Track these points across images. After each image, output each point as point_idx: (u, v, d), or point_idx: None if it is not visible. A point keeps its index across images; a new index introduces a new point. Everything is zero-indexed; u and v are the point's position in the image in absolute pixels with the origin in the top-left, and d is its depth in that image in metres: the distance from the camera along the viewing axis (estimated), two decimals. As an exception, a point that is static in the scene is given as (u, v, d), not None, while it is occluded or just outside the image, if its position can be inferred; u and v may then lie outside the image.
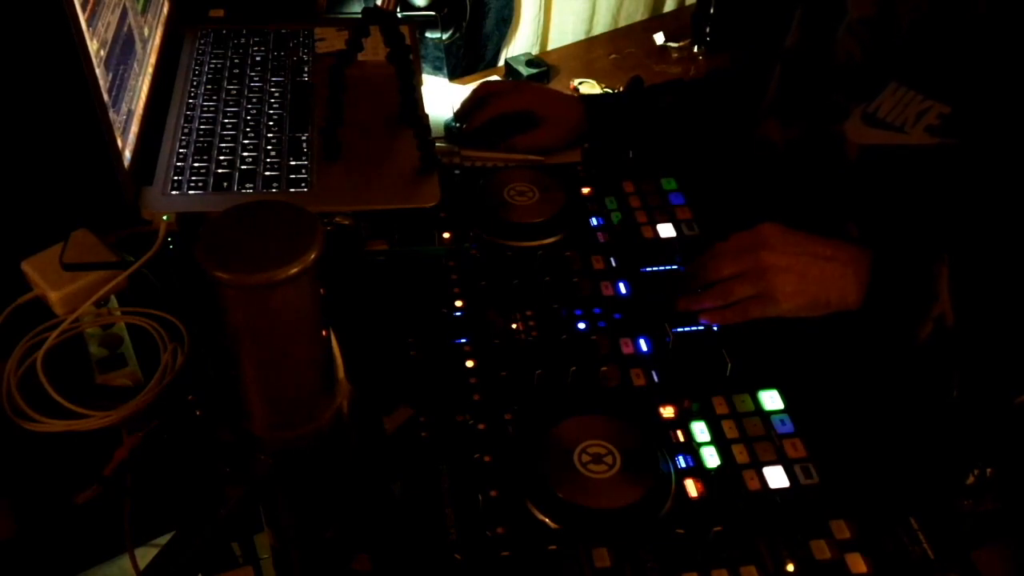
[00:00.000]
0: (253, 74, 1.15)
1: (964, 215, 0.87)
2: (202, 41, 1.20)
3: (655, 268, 0.97)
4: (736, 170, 1.10)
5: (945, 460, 0.92)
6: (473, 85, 1.58)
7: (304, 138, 1.06)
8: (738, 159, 1.09)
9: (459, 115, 1.19)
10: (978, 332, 0.82)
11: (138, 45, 1.04)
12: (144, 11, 1.08)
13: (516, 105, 1.17)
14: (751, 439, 0.81)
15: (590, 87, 1.57)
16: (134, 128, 0.99)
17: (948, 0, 0.82)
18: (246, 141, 1.05)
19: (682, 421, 0.82)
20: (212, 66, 1.16)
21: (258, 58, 1.18)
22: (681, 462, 0.79)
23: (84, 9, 0.85)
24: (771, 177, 1.04)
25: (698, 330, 0.90)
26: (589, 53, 1.74)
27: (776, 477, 0.78)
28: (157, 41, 1.13)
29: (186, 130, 1.06)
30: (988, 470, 0.87)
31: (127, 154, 0.95)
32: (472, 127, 1.17)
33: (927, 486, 0.84)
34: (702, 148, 1.14)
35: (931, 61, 0.85)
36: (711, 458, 0.80)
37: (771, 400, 0.84)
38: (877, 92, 0.88)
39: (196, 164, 1.01)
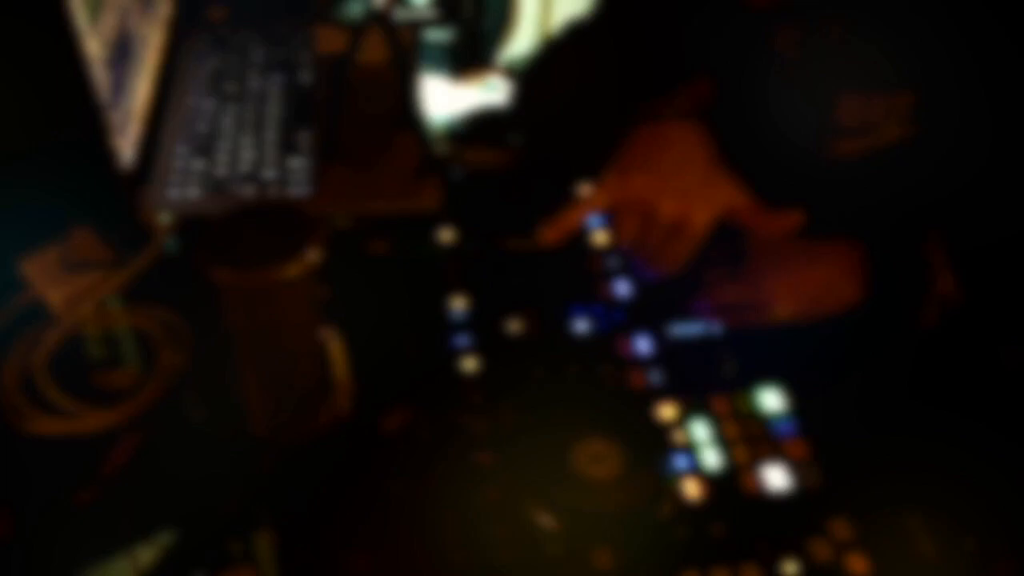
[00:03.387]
0: (253, 74, 1.15)
1: (946, 195, 0.86)
2: (202, 41, 1.20)
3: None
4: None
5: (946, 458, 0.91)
6: (473, 85, 1.59)
7: (304, 138, 1.06)
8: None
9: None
10: (990, 302, 0.80)
11: (138, 45, 1.04)
12: (144, 11, 1.08)
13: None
14: (751, 439, 0.81)
15: (590, 87, 1.57)
16: (134, 128, 0.98)
17: None
18: (246, 141, 1.05)
19: (682, 421, 0.82)
20: (212, 66, 1.16)
21: (258, 58, 1.18)
22: (681, 462, 0.79)
23: (84, 9, 0.85)
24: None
25: (698, 330, 0.90)
26: (589, 53, 1.74)
27: (776, 477, 0.78)
28: (157, 41, 1.13)
29: (186, 130, 1.06)
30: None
31: (127, 154, 0.95)
32: None
33: (928, 485, 0.84)
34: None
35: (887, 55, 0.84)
36: (711, 458, 0.80)
37: (771, 400, 0.84)
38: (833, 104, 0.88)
39: (196, 164, 1.01)
